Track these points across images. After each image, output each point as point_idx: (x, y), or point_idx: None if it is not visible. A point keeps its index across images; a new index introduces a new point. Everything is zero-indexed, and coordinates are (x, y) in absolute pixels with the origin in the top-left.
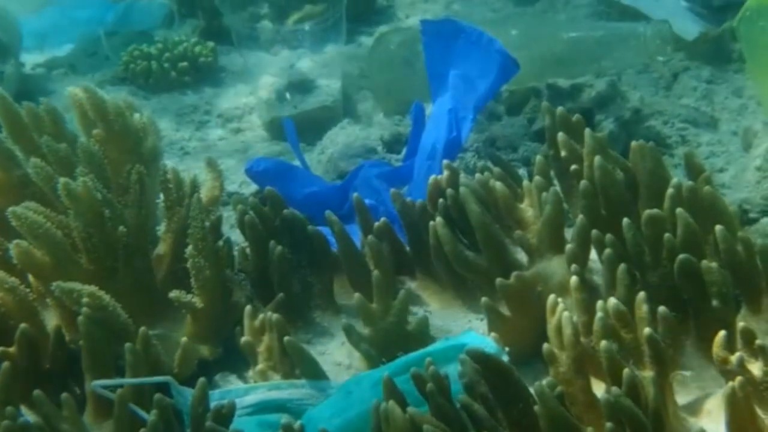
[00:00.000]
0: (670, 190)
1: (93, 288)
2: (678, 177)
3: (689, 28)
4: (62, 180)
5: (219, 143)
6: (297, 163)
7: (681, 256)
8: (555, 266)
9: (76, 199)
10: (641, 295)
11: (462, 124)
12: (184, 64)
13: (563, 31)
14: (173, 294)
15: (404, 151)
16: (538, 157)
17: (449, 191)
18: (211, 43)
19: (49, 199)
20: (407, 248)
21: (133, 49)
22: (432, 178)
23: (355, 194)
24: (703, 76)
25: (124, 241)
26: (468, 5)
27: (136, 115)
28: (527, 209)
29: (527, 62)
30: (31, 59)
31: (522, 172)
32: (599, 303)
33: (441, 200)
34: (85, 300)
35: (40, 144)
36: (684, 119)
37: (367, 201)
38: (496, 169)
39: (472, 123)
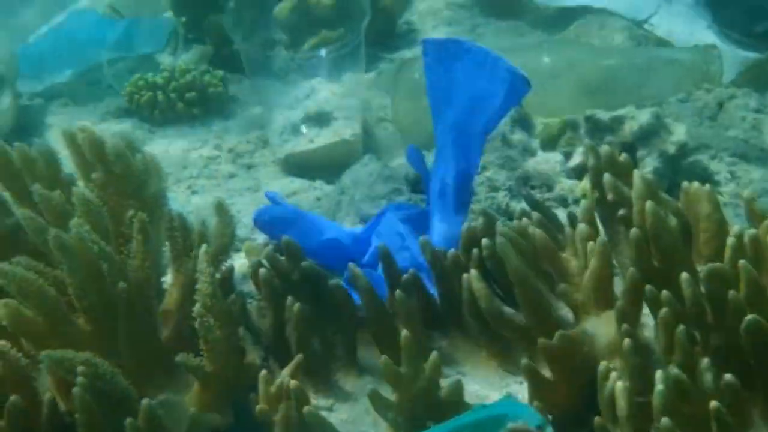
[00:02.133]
0: (731, 240)
1: (88, 355)
2: (730, 218)
3: None
4: (52, 232)
5: (229, 181)
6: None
7: (748, 317)
8: (603, 324)
9: (69, 253)
10: (705, 362)
11: (470, 152)
12: (192, 94)
13: (600, 57)
14: (180, 358)
15: None
16: (583, 202)
17: (485, 241)
18: (220, 72)
19: (43, 252)
20: (437, 302)
21: (137, 78)
22: (465, 225)
23: (381, 244)
24: (751, 105)
25: (125, 299)
26: (494, 29)
27: (138, 155)
28: (570, 260)
29: (562, 92)
30: (28, 88)
31: (560, 213)
32: (658, 373)
33: (476, 250)
34: (80, 369)
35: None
36: (733, 153)
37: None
38: (535, 214)
39: (482, 149)
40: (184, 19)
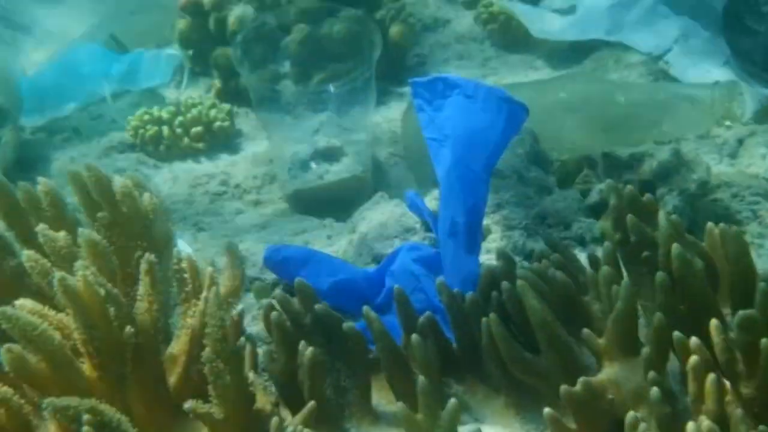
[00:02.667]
0: (762, 285)
1: (93, 402)
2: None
3: None
4: (58, 275)
5: (236, 218)
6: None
7: None
8: (628, 371)
9: (75, 297)
10: (738, 413)
11: (477, 189)
12: (199, 129)
13: (618, 93)
14: (189, 405)
15: None
16: (606, 244)
17: (505, 284)
18: (227, 106)
19: (47, 294)
20: (453, 345)
21: (142, 113)
22: (485, 267)
23: (396, 286)
24: None
25: (132, 344)
26: (506, 63)
27: (146, 195)
28: (593, 303)
29: (579, 128)
30: (31, 122)
31: (577, 253)
32: (690, 426)
33: (495, 293)
34: (85, 417)
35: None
36: (755, 192)
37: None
38: (555, 256)
39: (488, 184)
40: (190, 51)
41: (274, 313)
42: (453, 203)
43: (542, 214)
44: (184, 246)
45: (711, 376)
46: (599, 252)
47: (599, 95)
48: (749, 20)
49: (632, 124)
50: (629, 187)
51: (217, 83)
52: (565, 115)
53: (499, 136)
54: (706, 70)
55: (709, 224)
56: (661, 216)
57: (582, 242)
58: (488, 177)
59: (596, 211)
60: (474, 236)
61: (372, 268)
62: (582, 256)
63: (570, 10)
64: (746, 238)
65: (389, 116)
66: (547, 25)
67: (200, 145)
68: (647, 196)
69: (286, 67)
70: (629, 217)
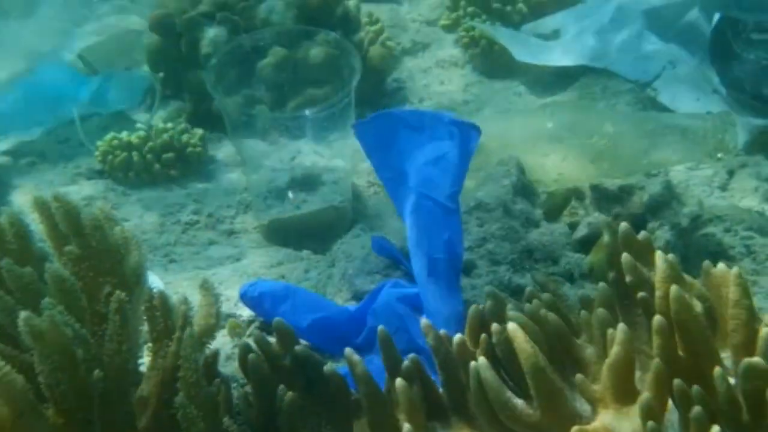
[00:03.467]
0: (765, 331)
1: None
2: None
3: None
4: (22, 315)
5: (209, 248)
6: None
7: None
8: (624, 420)
9: (40, 338)
10: None
11: (449, 221)
12: (170, 155)
13: (607, 122)
14: None
15: None
16: (601, 285)
17: (495, 326)
18: (199, 131)
19: (11, 334)
20: (439, 389)
21: (111, 138)
22: (473, 307)
23: (380, 327)
24: (764, 173)
25: (100, 388)
26: (488, 90)
27: (117, 228)
28: (586, 347)
29: (566, 159)
30: None
31: (565, 290)
32: None
33: (484, 336)
34: None
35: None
36: (748, 226)
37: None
38: (546, 295)
39: (459, 213)
40: (161, 74)
41: (251, 356)
42: (427, 241)
43: (529, 248)
44: (155, 280)
45: (715, 428)
46: (588, 288)
47: (587, 125)
48: (738, 47)
49: (621, 155)
50: (624, 224)
51: (189, 107)
52: (552, 145)
53: (457, 161)
54: (694, 98)
55: (706, 263)
56: (658, 256)
57: (570, 278)
58: (457, 206)
59: (585, 245)
60: (456, 272)
61: (353, 305)
62: (571, 293)
63: (553, 36)
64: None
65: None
66: (531, 50)
67: (171, 171)
68: (642, 233)
69: (262, 91)
70: (624, 256)
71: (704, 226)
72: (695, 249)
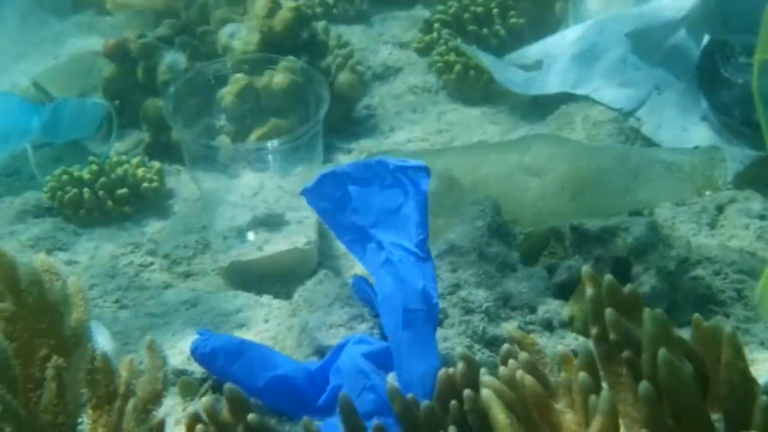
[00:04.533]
0: (763, 400)
1: None
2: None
3: None
4: None
5: (164, 293)
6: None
7: None
8: None
9: None
10: None
11: (422, 268)
12: (124, 191)
13: (588, 157)
14: None
15: None
16: (582, 346)
17: (467, 393)
18: (156, 164)
19: None
20: None
21: (61, 172)
22: (443, 372)
23: (341, 393)
24: (755, 210)
25: None
26: (463, 118)
27: (57, 284)
28: (566, 413)
29: (544, 197)
30: None
31: (544, 340)
32: None
33: (454, 403)
34: None
35: None
36: (739, 269)
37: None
38: (523, 355)
39: (431, 261)
40: (117, 102)
41: (199, 427)
42: (401, 292)
43: (505, 295)
44: (102, 333)
45: None
46: (568, 338)
47: (567, 160)
48: (726, 72)
49: (603, 193)
50: (608, 277)
51: (147, 137)
52: (529, 182)
53: (413, 208)
54: (681, 127)
55: (696, 317)
56: (647, 315)
57: (549, 327)
58: (428, 253)
59: (565, 290)
60: (433, 324)
61: (314, 362)
62: (550, 343)
63: (536, 66)
64: (730, 322)
65: None
66: (514, 79)
67: (125, 208)
68: (628, 287)
69: (223, 121)
70: (608, 313)
71: (692, 268)
72: (683, 293)
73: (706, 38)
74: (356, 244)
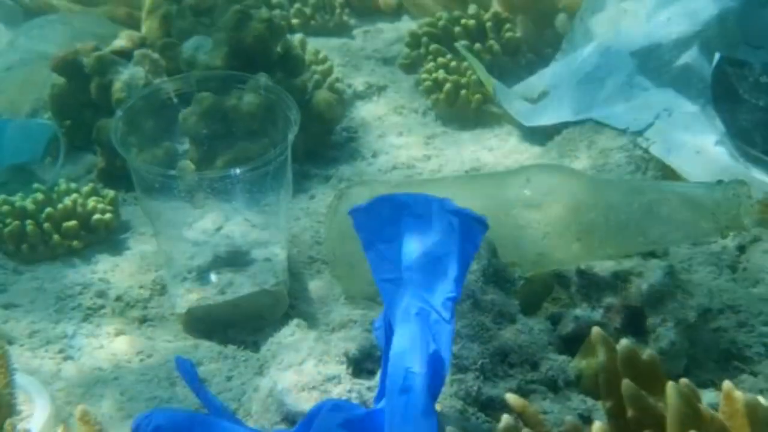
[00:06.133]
0: None
1: None
2: None
3: None
4: None
5: (115, 341)
6: None
7: None
8: None
9: None
10: None
11: (438, 332)
12: (72, 223)
13: (596, 190)
14: None
15: (378, 376)
16: (597, 425)
17: None
18: (110, 192)
19: None
20: None
21: (1, 201)
22: None
23: None
24: None
25: None
26: (454, 143)
27: None
28: None
29: (547, 237)
30: None
31: (548, 404)
32: None
33: None
34: None
35: None
36: (766, 320)
37: None
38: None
39: (452, 325)
40: (67, 122)
41: None
42: (410, 351)
43: (503, 349)
44: (38, 395)
45: None
46: (575, 401)
47: (572, 195)
48: (744, 91)
49: (613, 232)
50: (624, 343)
51: (100, 161)
52: (530, 219)
53: (457, 261)
54: (694, 151)
55: (727, 387)
56: (671, 390)
57: (553, 387)
58: (452, 316)
59: (571, 344)
60: (434, 394)
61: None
62: (554, 407)
63: (541, 97)
64: (758, 381)
65: (311, 208)
66: (518, 104)
67: (74, 243)
68: (648, 354)
69: (186, 144)
70: (626, 386)
71: (714, 319)
72: (703, 348)
73: (717, 56)
74: (390, 285)
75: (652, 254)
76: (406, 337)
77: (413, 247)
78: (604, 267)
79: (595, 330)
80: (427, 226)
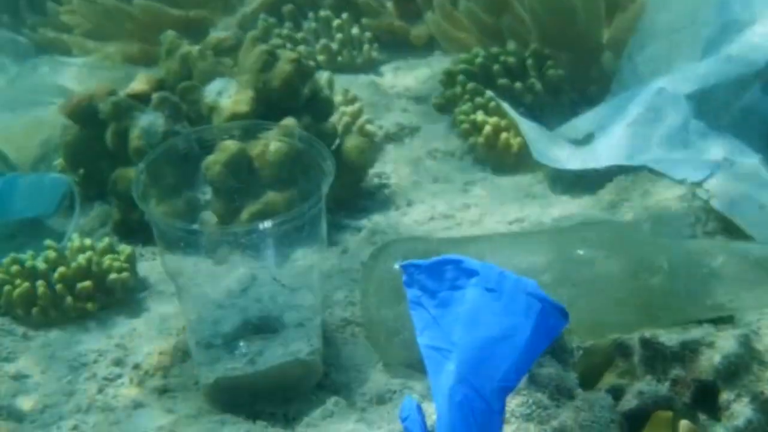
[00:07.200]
0: None
1: None
2: None
3: None
4: None
5: (134, 415)
6: None
7: None
8: None
9: None
10: None
11: (485, 423)
12: (87, 284)
13: (659, 250)
14: None
15: None
16: None
17: None
18: (127, 249)
19: None
20: None
21: (10, 261)
22: None
23: None
24: None
25: None
26: (494, 190)
27: None
28: None
29: (606, 302)
30: None
31: None
32: None
33: None
34: None
35: None
36: None
37: None
38: None
39: (501, 415)
40: (81, 170)
41: None
42: None
43: (563, 430)
44: None
45: None
46: None
47: (632, 255)
48: None
49: (678, 295)
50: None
51: (116, 213)
52: (587, 282)
53: (524, 348)
54: (758, 206)
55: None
56: None
57: None
58: (502, 405)
59: (634, 421)
60: None
61: None
62: None
63: (586, 140)
64: None
65: (344, 264)
66: (555, 150)
67: (88, 305)
68: None
69: (207, 193)
70: None
71: None
72: None
73: None
74: (437, 354)
75: (720, 320)
76: (448, 426)
77: (474, 321)
78: (670, 336)
79: (684, 424)
80: (495, 303)
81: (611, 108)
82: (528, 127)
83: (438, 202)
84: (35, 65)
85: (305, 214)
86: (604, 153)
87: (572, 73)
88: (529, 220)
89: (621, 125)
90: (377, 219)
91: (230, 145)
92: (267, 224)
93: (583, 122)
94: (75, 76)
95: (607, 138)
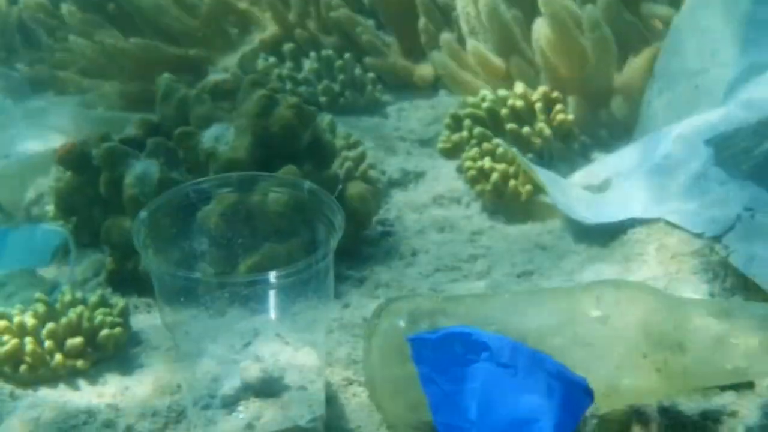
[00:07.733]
0: None
1: None
2: None
3: None
4: None
5: None
6: None
7: None
8: None
9: None
10: None
11: None
12: (78, 340)
13: (677, 312)
14: None
15: None
16: None
17: None
18: (121, 302)
19: None
20: None
21: None
22: None
23: None
24: None
25: None
26: (502, 240)
27: None
28: None
29: (622, 365)
30: None
31: None
32: None
33: None
34: None
35: None
36: None
37: None
38: None
39: None
40: (74, 218)
41: None
42: None
43: None
44: None
45: None
46: None
47: (649, 317)
48: None
49: (698, 360)
50: None
51: (109, 263)
52: (600, 345)
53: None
54: None
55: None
56: None
57: None
58: None
59: None
60: None
61: None
62: None
63: (603, 186)
64: None
65: (346, 318)
66: (572, 200)
67: (79, 363)
68: None
69: (204, 244)
70: None
71: None
72: None
73: None
74: (453, 430)
75: (741, 386)
76: None
77: (491, 400)
78: (690, 404)
79: None
80: (511, 379)
81: (628, 154)
82: (546, 176)
83: (443, 252)
84: (28, 104)
85: (312, 267)
86: (620, 205)
87: (582, 117)
88: (538, 272)
89: (638, 173)
90: (380, 270)
91: (227, 195)
92: (272, 275)
93: (600, 168)
94: (70, 115)
95: (624, 187)
